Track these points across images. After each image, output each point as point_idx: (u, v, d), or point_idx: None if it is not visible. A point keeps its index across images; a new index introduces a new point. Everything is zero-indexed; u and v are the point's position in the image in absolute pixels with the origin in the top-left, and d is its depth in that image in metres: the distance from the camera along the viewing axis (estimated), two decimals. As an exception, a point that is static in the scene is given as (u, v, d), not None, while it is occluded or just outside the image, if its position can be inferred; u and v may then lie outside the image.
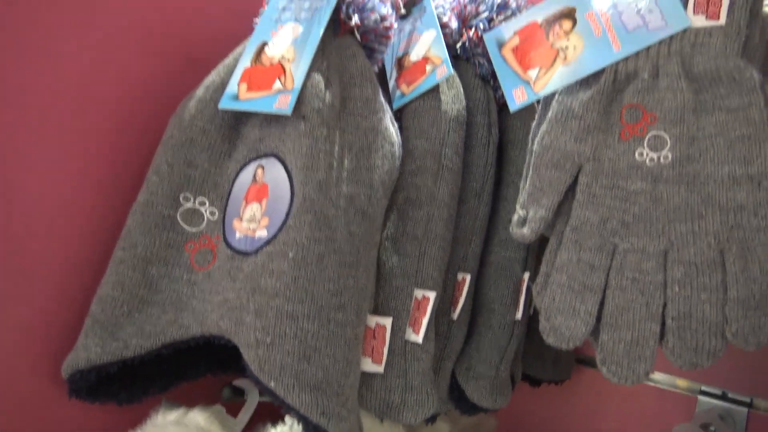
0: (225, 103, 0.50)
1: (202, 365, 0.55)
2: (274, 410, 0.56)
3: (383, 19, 0.54)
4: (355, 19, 0.52)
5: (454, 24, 0.63)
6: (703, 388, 0.71)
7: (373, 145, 0.51)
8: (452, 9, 0.65)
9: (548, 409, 0.84)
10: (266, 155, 0.50)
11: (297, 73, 0.50)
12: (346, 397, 0.47)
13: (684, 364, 0.44)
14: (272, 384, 0.43)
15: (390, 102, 0.61)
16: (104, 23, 0.52)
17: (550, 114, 0.49)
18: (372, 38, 0.54)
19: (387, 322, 0.51)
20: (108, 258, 0.50)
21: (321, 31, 0.51)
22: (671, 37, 0.43)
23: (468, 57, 0.63)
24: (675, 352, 0.43)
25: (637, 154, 0.45)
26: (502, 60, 0.50)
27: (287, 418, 0.55)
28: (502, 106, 0.64)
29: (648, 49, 0.44)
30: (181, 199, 0.50)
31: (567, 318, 0.46)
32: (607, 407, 0.80)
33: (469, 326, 0.63)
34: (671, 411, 0.74)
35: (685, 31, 0.43)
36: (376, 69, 0.56)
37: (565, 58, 0.47)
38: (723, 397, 0.69)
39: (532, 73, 0.48)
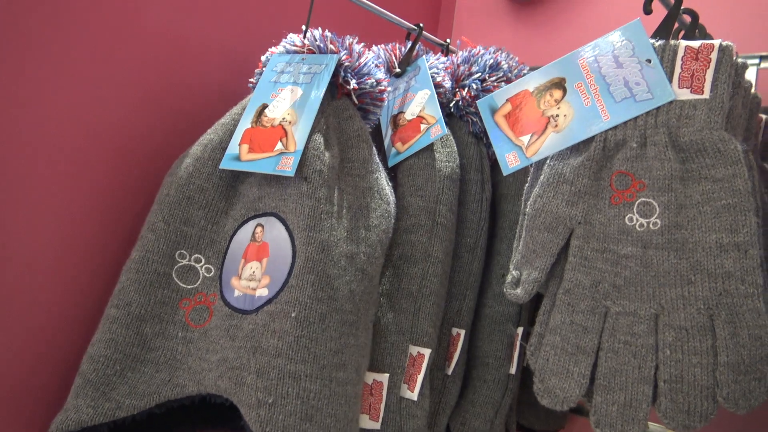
0: (226, 164, 0.51)
1: (197, 422, 0.55)
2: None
3: (378, 83, 0.56)
4: (353, 84, 0.54)
5: (447, 83, 0.65)
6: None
7: (371, 204, 0.52)
8: (446, 69, 0.67)
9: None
10: (266, 214, 0.51)
11: (298, 135, 0.51)
12: None
13: (677, 426, 0.44)
14: None
15: (385, 159, 0.62)
16: (105, 79, 0.53)
17: (542, 178, 0.50)
18: (368, 101, 0.56)
19: (384, 378, 0.52)
20: (100, 315, 0.50)
21: (321, 95, 0.52)
22: (658, 109, 0.45)
23: (461, 115, 0.65)
24: (667, 414, 0.44)
25: (627, 219, 0.46)
26: (495, 126, 0.51)
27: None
28: (495, 161, 0.66)
29: (636, 119, 0.46)
30: (176, 256, 0.51)
31: (561, 380, 0.46)
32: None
33: (464, 380, 0.63)
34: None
35: (671, 103, 0.45)
36: (370, 129, 0.57)
37: (556, 125, 0.49)
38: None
39: (525, 139, 0.50)
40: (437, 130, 0.59)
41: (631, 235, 0.46)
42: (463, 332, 0.60)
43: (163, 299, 0.50)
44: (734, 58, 0.44)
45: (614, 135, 0.47)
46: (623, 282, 0.46)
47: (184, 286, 0.50)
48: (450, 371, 0.60)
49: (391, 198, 0.56)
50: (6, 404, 0.49)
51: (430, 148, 0.60)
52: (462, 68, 0.65)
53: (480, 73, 0.64)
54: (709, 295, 0.43)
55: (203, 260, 0.51)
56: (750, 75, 0.61)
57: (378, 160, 0.56)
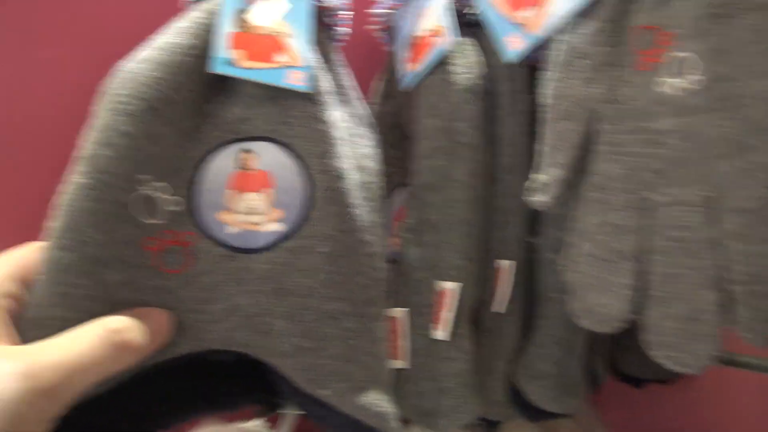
0: (220, 68, 0.43)
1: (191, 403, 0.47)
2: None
3: None
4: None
5: (468, -11, 0.57)
6: None
7: (363, 132, 0.47)
8: (465, -29, 0.59)
9: (660, 414, 0.72)
10: (255, 138, 0.44)
11: (300, 50, 0.46)
12: (388, 395, 0.43)
13: (760, 341, 0.34)
14: (325, 392, 0.40)
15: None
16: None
17: (556, 58, 0.41)
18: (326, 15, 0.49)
19: (398, 313, 0.46)
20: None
21: (309, 6, 0.47)
22: (680, -67, 0.35)
23: (488, 21, 0.56)
24: (745, 325, 0.34)
25: (659, 86, 0.36)
26: (489, 6, 0.43)
27: None
28: (534, 67, 0.57)
29: (655, -47, 0.36)
30: (135, 182, 0.40)
31: (599, 294, 0.38)
32: (738, 409, 0.67)
33: (527, 320, 0.55)
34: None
35: None
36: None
37: (559, -12, 0.40)
38: None
39: (526, 14, 0.41)
40: (446, 39, 0.52)
41: (667, 103, 0.36)
42: (508, 263, 0.52)
43: (125, 237, 0.39)
44: None
45: (630, -18, 0.37)
46: (664, 164, 0.36)
47: (144, 221, 0.40)
48: (499, 307, 0.52)
49: (375, 127, 0.50)
50: None
51: (444, 62, 0.53)
52: (482, -32, 0.57)
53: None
54: (776, 160, 0.32)
55: (170, 189, 0.41)
56: None
57: (355, 86, 0.50)
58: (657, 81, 0.36)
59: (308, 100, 0.44)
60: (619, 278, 0.37)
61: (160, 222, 0.41)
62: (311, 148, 0.43)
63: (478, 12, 0.57)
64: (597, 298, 0.38)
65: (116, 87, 0.41)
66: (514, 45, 0.41)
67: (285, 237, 0.43)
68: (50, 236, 0.38)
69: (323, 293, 0.41)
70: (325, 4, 0.49)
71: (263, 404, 0.52)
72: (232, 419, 0.51)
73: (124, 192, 0.39)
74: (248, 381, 0.48)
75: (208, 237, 0.43)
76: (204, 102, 0.45)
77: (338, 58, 0.50)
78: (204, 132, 0.44)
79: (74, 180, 0.39)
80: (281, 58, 0.45)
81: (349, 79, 0.50)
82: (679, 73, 0.35)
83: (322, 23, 0.50)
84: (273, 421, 0.53)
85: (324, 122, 0.44)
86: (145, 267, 0.40)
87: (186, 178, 0.43)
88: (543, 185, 0.42)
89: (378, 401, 0.41)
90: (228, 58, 0.44)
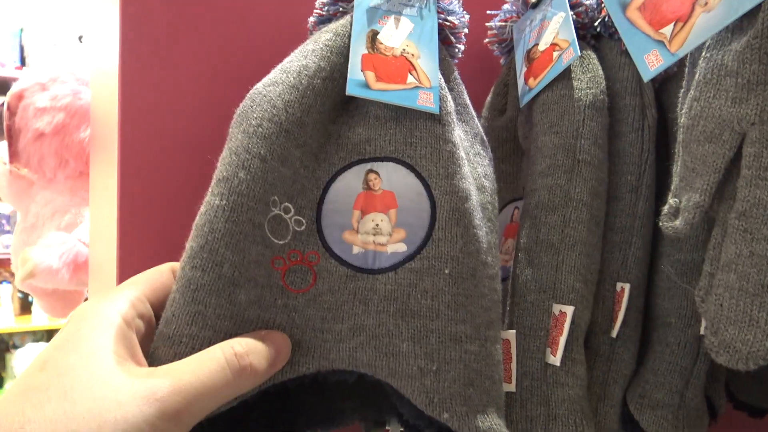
0: (354, 90, 0.44)
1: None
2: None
3: (463, 14, 0.50)
4: (453, 20, 0.49)
5: (589, 0, 0.56)
6: None
7: (480, 151, 0.47)
8: (588, -16, 0.57)
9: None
10: (379, 159, 0.45)
11: (428, 70, 0.46)
12: (504, 420, 0.43)
13: None
14: (446, 416, 0.40)
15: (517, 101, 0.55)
16: (224, 71, 0.56)
17: (697, 76, 0.39)
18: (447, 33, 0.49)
19: (509, 335, 0.46)
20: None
21: (436, 28, 0.47)
22: None
23: (611, 33, 0.55)
24: None
25: (821, 107, 0.34)
26: (628, 23, 0.42)
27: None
28: (663, 81, 0.55)
29: (821, -34, 0.33)
30: (270, 203, 0.41)
31: (742, 330, 0.35)
32: None
33: (642, 345, 0.53)
34: None
35: None
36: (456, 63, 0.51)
37: (706, 3, 0.38)
38: None
39: (666, 31, 0.39)
40: (570, 53, 0.51)
41: (830, 126, 0.33)
42: (628, 286, 0.50)
43: (257, 258, 0.40)
44: None
45: (790, -4, 0.35)
46: (823, 192, 0.34)
47: (275, 241, 0.42)
48: (616, 333, 0.50)
49: (488, 144, 0.50)
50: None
51: (566, 77, 0.51)
52: (606, -21, 0.55)
53: (627, -22, 0.53)
54: None
55: (293, 210, 0.43)
56: None
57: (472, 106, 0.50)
58: (818, 102, 0.34)
59: (434, 120, 0.44)
60: (765, 313, 0.35)
61: (287, 242, 0.43)
62: (436, 168, 0.43)
63: (598, 26, 0.56)
64: (739, 333, 0.36)
65: (249, 110, 0.43)
66: (653, 63, 0.40)
67: (409, 258, 0.43)
68: (187, 256, 0.39)
69: (448, 315, 0.41)
70: (448, 23, 0.49)
71: (370, 421, 0.52)
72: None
73: (258, 213, 0.40)
74: (360, 399, 0.48)
75: (333, 256, 0.44)
76: (330, 123, 0.46)
77: (457, 75, 0.50)
78: (329, 152, 0.45)
79: (211, 201, 0.40)
80: (411, 79, 0.45)
81: (466, 96, 0.49)
82: None
83: (444, 41, 0.50)
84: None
85: (449, 143, 0.44)
86: (274, 286, 0.42)
87: (312, 198, 0.44)
88: (679, 210, 0.40)
89: (496, 426, 0.40)
90: (361, 80, 0.44)
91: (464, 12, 0.50)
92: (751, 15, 0.36)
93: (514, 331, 0.46)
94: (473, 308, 0.41)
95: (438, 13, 0.48)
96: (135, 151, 0.54)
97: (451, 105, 0.45)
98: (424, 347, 0.40)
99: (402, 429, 0.49)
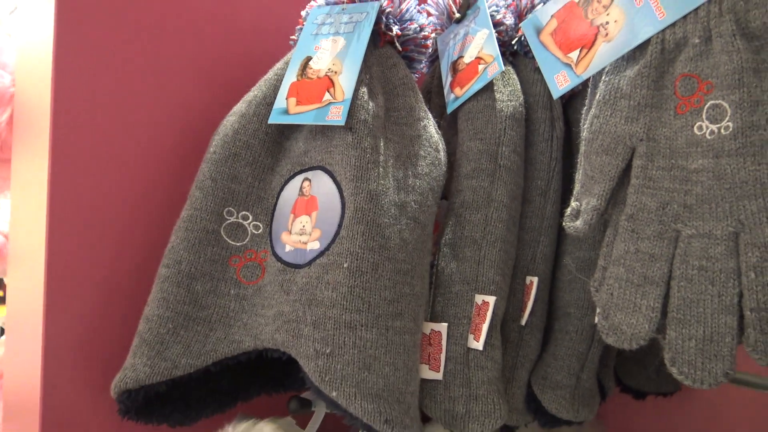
0: (275, 118, 0.52)
1: (256, 385, 0.56)
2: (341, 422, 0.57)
3: (421, 28, 0.54)
4: (395, 30, 0.53)
5: (509, 20, 0.61)
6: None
7: (419, 152, 0.51)
8: (508, 6, 0.63)
9: (659, 424, 0.76)
10: (312, 168, 0.51)
11: (345, 84, 0.51)
12: (408, 405, 0.46)
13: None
14: (334, 394, 0.44)
15: (444, 108, 0.60)
16: (168, 58, 0.57)
17: (597, 96, 0.45)
18: (412, 48, 0.54)
19: (442, 327, 0.50)
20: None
21: (365, 43, 0.52)
22: (722, -5, 0.39)
23: (526, 52, 0.60)
24: (758, 348, 0.38)
25: (695, 129, 0.40)
26: (541, 46, 0.47)
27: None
28: (570, 98, 0.61)
29: (697, 10, 0.40)
30: (225, 213, 0.51)
31: (628, 315, 0.42)
32: (729, 420, 0.71)
33: (546, 333, 0.59)
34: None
35: (737, -16, 0.38)
36: (416, 77, 0.56)
37: (607, 34, 0.44)
38: None
39: (573, 55, 0.45)
40: (494, 68, 0.56)
41: (701, 145, 0.40)
42: (536, 280, 0.56)
43: (213, 257, 0.50)
44: None
45: (673, 34, 0.41)
46: (695, 200, 0.40)
47: (232, 243, 0.51)
48: (524, 321, 0.56)
49: (441, 145, 0.54)
50: (70, 366, 0.54)
51: (489, 89, 0.57)
52: (524, 2, 0.61)
53: (542, 4, 0.59)
54: (797, 203, 0.36)
55: (251, 217, 0.52)
56: None
57: (426, 108, 0.54)
58: (693, 124, 0.41)
59: (345, 130, 0.50)
60: (646, 301, 0.41)
61: (245, 243, 0.51)
62: (344, 172, 0.49)
63: (515, 44, 0.61)
64: (625, 318, 0.42)
65: (213, 137, 0.53)
66: (562, 82, 0.45)
67: (320, 254, 0.48)
68: (163, 256, 0.51)
69: (343, 305, 0.45)
70: (389, 33, 0.53)
71: (297, 403, 0.56)
72: (265, 416, 0.54)
73: (212, 223, 0.51)
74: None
75: (273, 254, 0.50)
76: (284, 139, 0.54)
77: (408, 81, 0.54)
78: (281, 165, 0.53)
79: (181, 213, 0.51)
80: (327, 96, 0.51)
81: (414, 101, 0.54)
82: (714, 119, 0.40)
83: (408, 58, 0.55)
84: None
85: (358, 149, 0.48)
86: (228, 279, 0.50)
87: (268, 206, 0.52)
88: (580, 213, 0.46)
89: (385, 411, 0.44)
90: (283, 107, 0.52)
91: (420, 19, 0.54)
92: (642, 47, 0.43)
93: (446, 323, 0.50)
94: (372, 300, 0.45)
95: (377, 24, 0.53)
96: (68, 140, 0.54)
97: (368, 113, 0.50)
98: (321, 332, 0.45)
99: (327, 411, 0.54)
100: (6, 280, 0.65)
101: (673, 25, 0.41)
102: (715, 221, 0.39)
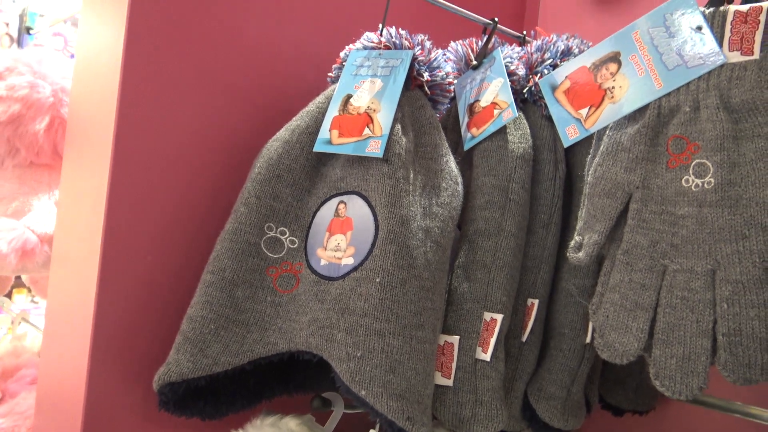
0: (320, 147, 0.58)
1: (280, 385, 0.62)
2: (358, 421, 0.63)
3: (447, 75, 0.62)
4: (426, 76, 0.61)
5: (521, 71, 0.69)
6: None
7: (442, 184, 0.58)
8: (520, 58, 0.71)
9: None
10: (348, 192, 0.58)
11: (383, 121, 0.58)
12: (425, 406, 0.53)
13: (737, 380, 0.45)
14: (363, 392, 0.50)
15: (461, 145, 0.68)
16: (209, 84, 0.64)
17: (601, 147, 0.53)
18: (438, 92, 0.62)
19: (454, 340, 0.57)
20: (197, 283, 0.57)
21: (401, 86, 0.59)
22: (709, 73, 0.47)
23: (534, 100, 0.69)
24: (727, 367, 0.45)
25: (683, 181, 0.48)
26: (556, 101, 0.55)
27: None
28: (572, 144, 0.69)
29: (688, 84, 0.48)
30: (265, 228, 0.57)
31: (620, 335, 0.49)
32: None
33: (542, 350, 0.66)
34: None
35: (722, 66, 0.47)
36: (439, 117, 0.63)
37: (612, 96, 0.52)
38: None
39: (583, 112, 0.53)
40: (509, 113, 0.64)
41: (687, 195, 0.48)
42: (537, 302, 0.64)
43: (252, 266, 0.56)
44: (786, 18, 0.45)
45: (668, 102, 0.49)
46: (680, 241, 0.48)
47: (271, 255, 0.57)
48: (525, 339, 0.63)
49: (459, 179, 0.61)
50: (115, 361, 0.59)
51: (503, 132, 0.65)
52: (535, 56, 0.69)
53: (552, 59, 0.67)
54: (763, 249, 0.44)
55: (288, 233, 0.58)
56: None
57: (447, 145, 0.62)
58: (682, 177, 0.49)
59: (381, 161, 0.57)
60: (636, 323, 0.49)
61: (282, 256, 0.58)
62: (380, 198, 0.56)
63: (526, 92, 0.70)
64: (618, 337, 0.49)
65: (257, 159, 0.60)
66: (572, 134, 0.53)
67: (354, 269, 0.55)
68: (207, 264, 0.56)
69: (375, 314, 0.52)
70: (420, 78, 0.61)
71: (319, 402, 0.62)
72: (288, 413, 0.60)
73: (254, 236, 0.57)
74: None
75: (309, 267, 0.57)
76: (322, 165, 0.61)
77: (434, 122, 0.61)
78: (318, 188, 0.60)
79: (225, 226, 0.58)
80: (367, 131, 0.58)
81: (439, 139, 0.61)
82: (699, 175, 0.48)
83: (433, 101, 0.63)
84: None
85: (393, 178, 0.56)
86: (266, 288, 0.57)
87: (304, 224, 0.59)
88: (582, 246, 0.54)
89: (408, 409, 0.50)
90: (326, 138, 0.59)
91: (446, 67, 0.62)
92: (642, 110, 0.51)
93: (458, 336, 0.57)
94: (400, 311, 0.52)
95: (410, 69, 0.60)
96: (128, 153, 0.60)
97: (401, 147, 0.57)
98: (353, 337, 0.51)
99: (345, 411, 0.60)
100: (49, 277, 0.70)
101: (668, 94, 0.49)
102: (696, 259, 0.47)
